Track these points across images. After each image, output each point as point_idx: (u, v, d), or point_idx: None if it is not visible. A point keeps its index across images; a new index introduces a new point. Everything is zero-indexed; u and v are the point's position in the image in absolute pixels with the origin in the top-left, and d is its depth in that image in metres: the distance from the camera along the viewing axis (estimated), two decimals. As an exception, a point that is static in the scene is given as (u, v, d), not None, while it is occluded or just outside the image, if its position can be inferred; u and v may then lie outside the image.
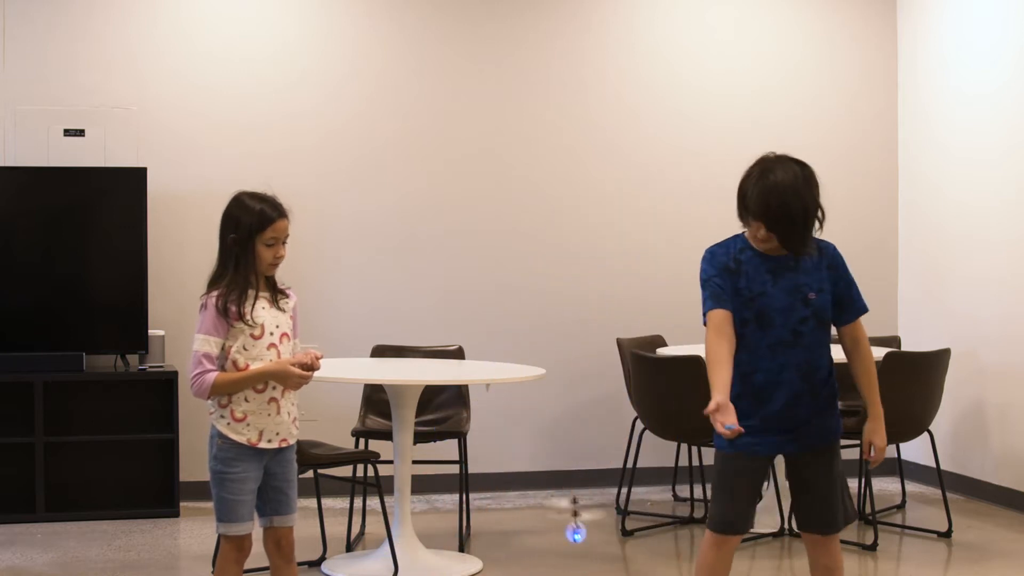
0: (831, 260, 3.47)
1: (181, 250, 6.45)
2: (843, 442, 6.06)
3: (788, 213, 3.29)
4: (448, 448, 5.88)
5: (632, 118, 7.10)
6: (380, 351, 5.98)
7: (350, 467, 5.55)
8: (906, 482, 6.59)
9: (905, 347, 6.60)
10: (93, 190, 6.29)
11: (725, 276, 3.42)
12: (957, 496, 6.52)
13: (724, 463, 3.51)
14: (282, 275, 3.80)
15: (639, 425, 5.98)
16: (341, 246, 6.74)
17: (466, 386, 5.82)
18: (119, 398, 6.19)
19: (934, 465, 5.79)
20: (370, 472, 5.33)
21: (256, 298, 3.65)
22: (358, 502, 5.75)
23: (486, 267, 6.92)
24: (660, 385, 5.59)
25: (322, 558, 5.19)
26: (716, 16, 7.23)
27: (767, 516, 5.79)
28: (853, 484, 6.66)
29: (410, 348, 6.02)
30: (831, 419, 3.54)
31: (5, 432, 6.01)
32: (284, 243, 3.72)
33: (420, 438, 5.40)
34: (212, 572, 3.81)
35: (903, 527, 5.98)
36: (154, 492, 6.13)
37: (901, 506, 6.39)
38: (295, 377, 3.62)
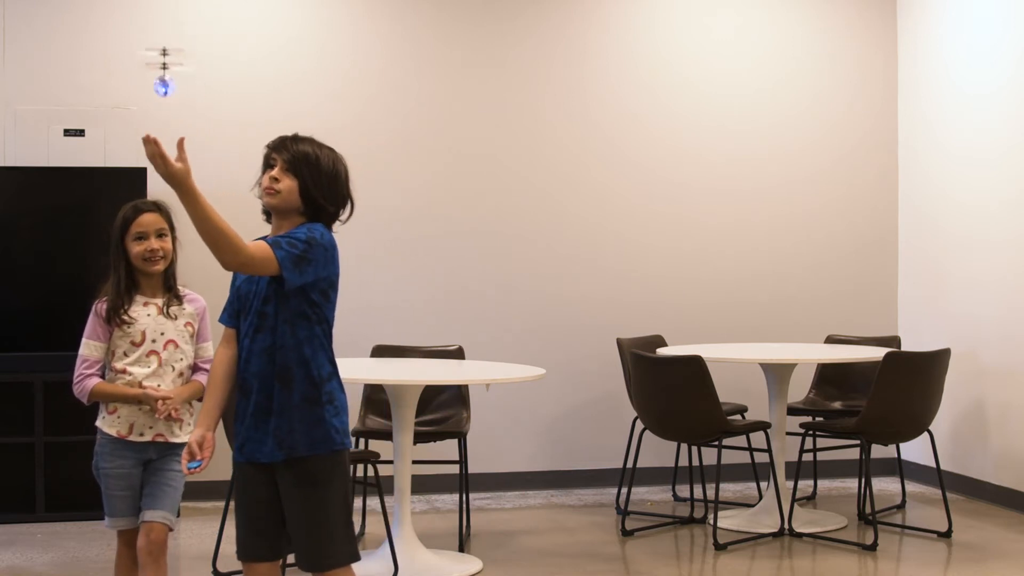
0: (293, 236, 3.37)
1: (181, 250, 6.42)
2: (843, 442, 6.19)
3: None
4: (448, 448, 5.88)
5: (632, 118, 7.10)
6: (380, 351, 5.98)
7: (350, 467, 5.54)
8: (906, 482, 6.59)
9: (905, 347, 6.60)
10: (93, 190, 6.29)
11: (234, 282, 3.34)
12: (957, 496, 6.52)
13: (234, 476, 3.28)
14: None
15: (639, 425, 5.98)
16: (341, 246, 6.67)
17: (466, 386, 5.82)
18: (119, 398, 6.18)
19: (934, 465, 5.79)
20: (370, 472, 5.33)
21: (139, 304, 3.77)
22: (358, 502, 5.75)
23: (486, 267, 6.92)
24: (660, 385, 5.59)
25: (322, 558, 5.18)
26: (716, 16, 7.23)
27: (767, 516, 5.79)
28: (851, 484, 6.72)
29: (410, 348, 6.02)
30: (316, 425, 3.15)
31: (5, 432, 6.02)
32: (160, 237, 3.83)
33: (420, 438, 5.40)
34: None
35: (903, 527, 5.97)
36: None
37: (901, 506, 6.39)
38: (155, 409, 3.68)
